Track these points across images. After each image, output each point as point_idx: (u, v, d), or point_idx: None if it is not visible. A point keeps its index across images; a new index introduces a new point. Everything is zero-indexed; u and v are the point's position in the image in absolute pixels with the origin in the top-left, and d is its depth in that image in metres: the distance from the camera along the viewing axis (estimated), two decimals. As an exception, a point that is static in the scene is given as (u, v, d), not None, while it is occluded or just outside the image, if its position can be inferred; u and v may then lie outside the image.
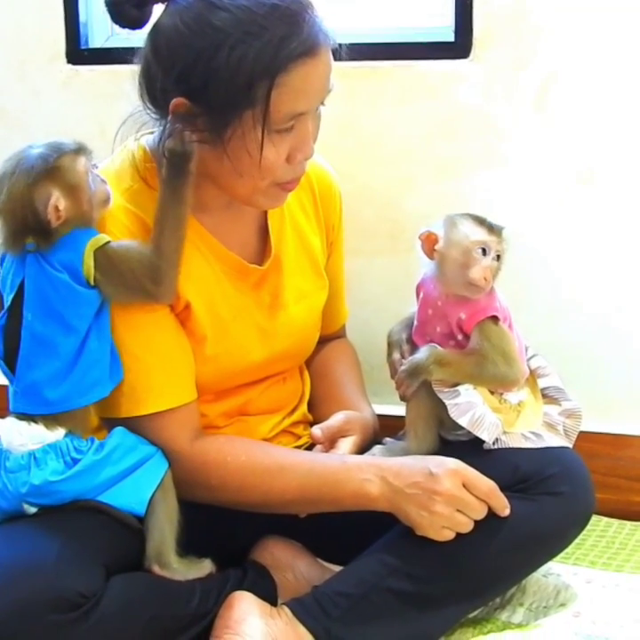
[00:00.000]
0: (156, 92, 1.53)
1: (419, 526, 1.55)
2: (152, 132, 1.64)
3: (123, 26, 1.57)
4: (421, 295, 1.71)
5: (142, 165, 1.61)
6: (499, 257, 1.63)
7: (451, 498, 1.54)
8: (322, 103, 1.55)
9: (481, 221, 1.64)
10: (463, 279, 1.62)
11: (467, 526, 1.55)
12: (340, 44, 1.53)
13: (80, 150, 1.50)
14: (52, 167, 1.46)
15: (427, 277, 1.70)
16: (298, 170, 1.58)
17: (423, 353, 1.64)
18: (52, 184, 1.46)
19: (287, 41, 1.44)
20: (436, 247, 1.65)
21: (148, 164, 1.61)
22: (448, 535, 1.55)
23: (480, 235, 1.62)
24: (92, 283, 1.49)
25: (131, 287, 1.51)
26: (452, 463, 1.56)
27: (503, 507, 1.56)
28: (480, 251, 1.61)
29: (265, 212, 1.72)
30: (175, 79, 1.49)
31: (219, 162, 1.54)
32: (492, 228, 1.63)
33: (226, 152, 1.51)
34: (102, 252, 1.49)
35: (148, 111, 1.58)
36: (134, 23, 1.55)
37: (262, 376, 1.76)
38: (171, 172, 1.52)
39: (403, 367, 1.67)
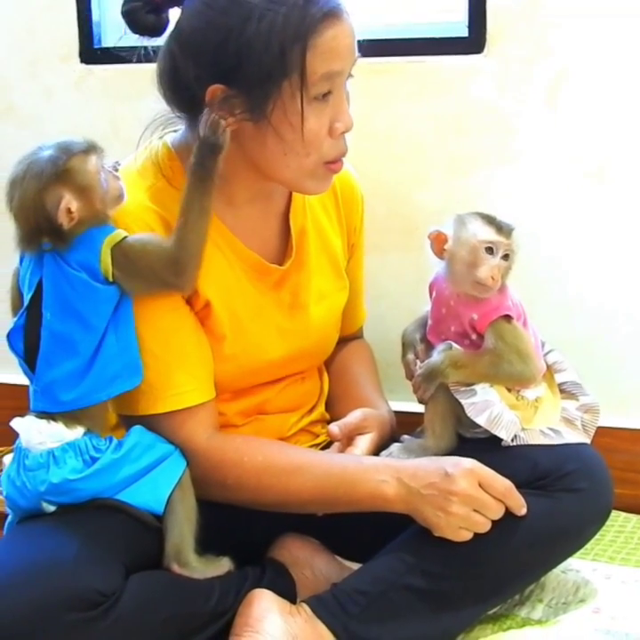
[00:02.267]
0: (184, 86, 1.51)
1: (436, 527, 1.54)
2: (176, 131, 1.63)
3: (142, 34, 1.57)
4: (434, 294, 1.71)
5: (165, 164, 1.61)
6: (507, 256, 1.62)
7: (467, 498, 1.53)
8: (350, 74, 1.55)
9: (490, 220, 1.63)
10: (471, 278, 1.62)
11: (484, 526, 1.54)
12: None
13: (90, 149, 1.49)
14: (62, 170, 1.45)
15: (439, 276, 1.70)
16: (340, 145, 1.58)
17: (438, 356, 1.64)
18: (62, 187, 1.45)
19: (310, 3, 1.46)
20: (445, 246, 1.65)
21: (171, 163, 1.61)
22: (465, 535, 1.54)
23: (488, 234, 1.61)
24: (110, 279, 1.48)
25: (150, 281, 1.51)
26: (468, 463, 1.55)
27: (520, 506, 1.55)
28: (488, 250, 1.61)
29: (287, 212, 1.72)
30: (208, 64, 1.48)
31: (262, 145, 1.54)
32: (501, 228, 1.62)
33: (271, 126, 1.51)
34: (119, 249, 1.48)
35: (174, 109, 1.57)
36: (152, 30, 1.56)
37: (281, 375, 1.75)
38: (200, 162, 1.49)
39: (418, 371, 1.66)
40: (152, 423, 1.56)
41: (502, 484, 1.55)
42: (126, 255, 1.48)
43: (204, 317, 1.61)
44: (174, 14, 1.54)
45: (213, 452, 1.59)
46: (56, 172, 1.45)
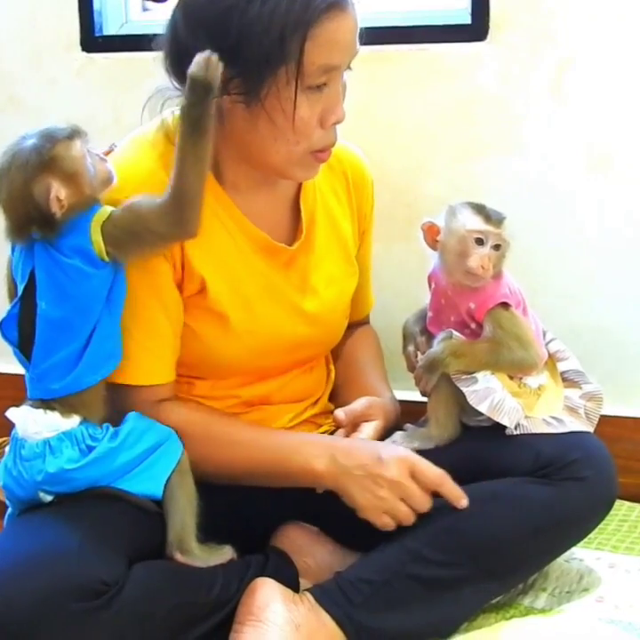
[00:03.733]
0: (185, 61, 1.49)
1: (360, 508, 1.56)
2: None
3: None
4: (433, 285, 1.71)
5: (174, 134, 1.58)
6: (499, 246, 1.62)
7: (395, 484, 1.55)
8: (349, 66, 1.55)
9: (479, 210, 1.63)
10: (462, 268, 1.62)
11: (407, 517, 1.56)
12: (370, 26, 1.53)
13: (73, 134, 1.46)
14: (47, 159, 1.43)
15: (436, 268, 1.70)
16: (330, 136, 1.58)
17: (438, 346, 1.64)
18: (49, 175, 1.43)
19: None
20: (437, 238, 1.66)
21: None
22: (388, 522, 1.56)
23: (477, 224, 1.62)
24: (105, 258, 1.47)
25: (149, 242, 1.49)
26: (403, 451, 1.58)
27: (458, 497, 1.56)
28: (477, 240, 1.61)
29: (297, 194, 1.71)
30: (208, 41, 1.46)
31: (253, 128, 1.54)
32: (490, 218, 1.62)
33: (264, 110, 1.50)
34: (109, 223, 1.46)
35: (176, 85, 1.56)
36: None
37: (289, 363, 1.75)
38: (191, 101, 1.44)
39: (420, 363, 1.67)
40: (112, 389, 1.56)
41: (435, 473, 1.56)
42: (117, 226, 1.46)
43: (200, 298, 1.61)
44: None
45: (158, 417, 1.58)
46: (42, 161, 1.43)
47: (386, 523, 1.56)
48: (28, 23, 2.31)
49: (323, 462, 1.57)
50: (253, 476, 1.62)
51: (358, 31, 1.53)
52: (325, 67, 1.50)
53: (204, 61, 1.41)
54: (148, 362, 1.61)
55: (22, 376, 1.54)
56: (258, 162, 1.61)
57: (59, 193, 1.43)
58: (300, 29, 1.45)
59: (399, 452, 1.57)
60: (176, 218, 1.47)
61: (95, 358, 1.50)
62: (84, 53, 2.28)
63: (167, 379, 1.64)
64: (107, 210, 1.48)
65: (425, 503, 1.56)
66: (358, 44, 1.54)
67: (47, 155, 1.43)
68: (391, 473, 1.54)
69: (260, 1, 1.44)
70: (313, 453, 1.59)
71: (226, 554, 1.57)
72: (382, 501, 1.55)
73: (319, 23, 1.46)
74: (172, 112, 1.62)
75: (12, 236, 1.49)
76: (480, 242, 1.61)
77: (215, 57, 1.41)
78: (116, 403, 1.56)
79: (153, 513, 1.52)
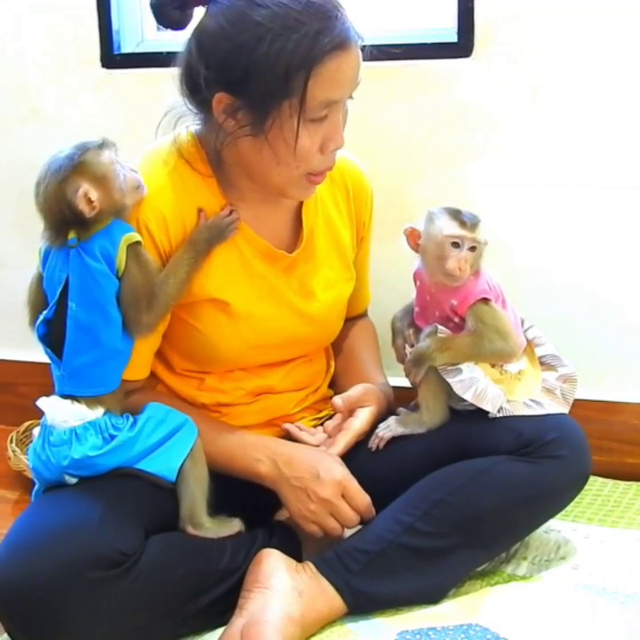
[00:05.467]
0: (197, 86, 1.50)
1: (293, 514, 1.60)
2: (197, 124, 1.61)
3: (166, 26, 1.55)
4: (418, 283, 1.71)
5: (187, 149, 1.60)
6: (474, 248, 1.61)
7: (327, 503, 1.57)
8: (351, 96, 1.54)
9: (455, 216, 1.62)
10: (441, 270, 1.62)
11: (335, 531, 1.59)
12: (364, 44, 1.52)
13: (104, 145, 1.48)
14: (77, 163, 1.45)
15: (420, 267, 1.69)
16: (329, 160, 1.56)
17: (424, 342, 1.64)
18: (80, 178, 1.44)
19: (322, 35, 1.43)
20: (418, 242, 1.65)
21: (194, 149, 1.60)
22: (315, 531, 1.59)
23: (453, 229, 1.61)
24: (120, 274, 1.47)
25: (134, 297, 1.49)
26: (339, 474, 1.59)
27: (352, 521, 1.59)
28: (454, 244, 1.60)
29: (299, 207, 1.70)
30: (217, 73, 1.47)
31: (258, 153, 1.52)
32: (465, 223, 1.61)
33: (267, 141, 1.49)
34: (133, 250, 1.48)
35: (189, 105, 1.56)
36: (176, 24, 1.54)
37: (288, 357, 1.74)
38: (207, 239, 1.55)
39: (408, 358, 1.66)
40: None
41: (362, 499, 1.59)
42: (137, 257, 1.48)
43: (204, 301, 1.61)
44: (199, 12, 1.52)
45: (127, 405, 1.56)
46: (73, 165, 1.44)
47: (313, 530, 1.59)
48: (52, 40, 2.29)
49: (266, 466, 1.60)
50: (211, 464, 1.59)
51: (360, 66, 1.51)
52: (327, 102, 1.48)
53: (229, 220, 1.56)
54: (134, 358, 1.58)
55: (49, 364, 1.53)
56: (260, 181, 1.60)
57: (89, 193, 1.44)
58: (304, 68, 1.44)
59: (335, 474, 1.58)
60: (149, 301, 1.49)
61: (122, 365, 1.52)
62: (104, 69, 2.26)
63: (141, 375, 1.64)
64: (136, 236, 1.49)
65: (353, 521, 1.59)
66: (359, 76, 1.52)
67: (78, 160, 1.45)
68: (325, 493, 1.57)
69: (268, 41, 1.43)
70: (256, 456, 1.60)
71: (234, 526, 1.57)
72: (311, 514, 1.57)
73: (322, 62, 1.44)
74: (186, 127, 1.61)
75: (51, 240, 1.49)
76: (456, 245, 1.60)
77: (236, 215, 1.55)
78: None
79: (168, 489, 1.52)
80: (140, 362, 1.61)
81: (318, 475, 1.57)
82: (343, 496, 1.58)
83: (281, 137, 1.49)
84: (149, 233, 1.54)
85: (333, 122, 1.52)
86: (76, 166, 1.44)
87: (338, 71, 1.46)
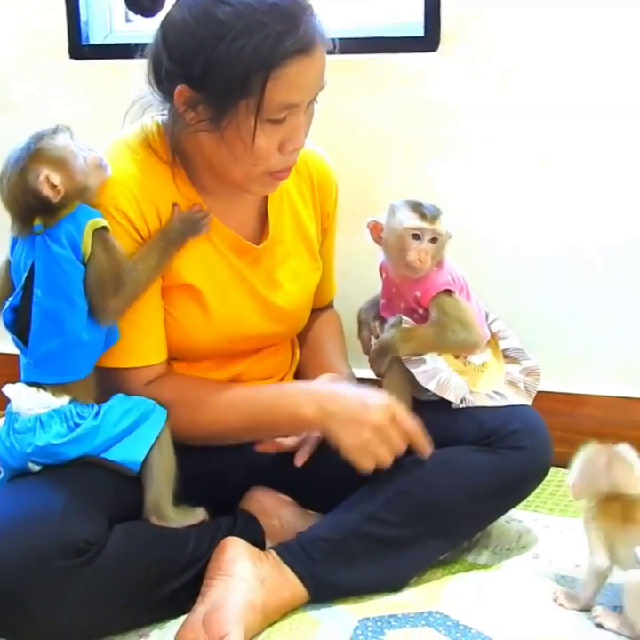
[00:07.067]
0: (162, 76, 1.51)
1: (346, 449, 1.55)
2: (164, 114, 1.61)
3: (136, 12, 1.55)
4: (384, 275, 1.72)
5: (153, 138, 1.60)
6: (435, 239, 1.63)
7: (380, 428, 1.54)
8: (315, 99, 1.53)
9: (415, 208, 1.64)
10: (402, 262, 1.63)
11: (385, 460, 1.55)
12: (334, 43, 1.51)
13: (57, 130, 1.48)
14: (34, 151, 1.44)
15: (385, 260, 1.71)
16: (289, 160, 1.56)
17: (388, 333, 1.65)
18: (39, 164, 1.44)
19: (285, 37, 1.42)
20: (381, 235, 1.67)
21: (160, 139, 1.60)
22: (368, 464, 1.55)
23: (413, 221, 1.62)
24: (85, 260, 1.47)
25: (100, 282, 1.48)
26: (386, 398, 1.57)
27: (425, 448, 1.58)
28: (414, 236, 1.62)
29: (265, 199, 1.70)
30: (179, 66, 1.47)
31: (217, 148, 1.52)
32: (425, 215, 1.62)
33: (223, 138, 1.49)
34: (100, 235, 1.48)
35: (155, 94, 1.56)
36: (147, 11, 1.53)
37: (257, 347, 1.75)
38: (180, 231, 1.56)
39: (373, 348, 1.67)
40: (106, 374, 1.56)
41: (413, 422, 1.57)
42: (104, 243, 1.48)
43: (179, 288, 1.61)
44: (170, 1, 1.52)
45: (151, 396, 1.56)
46: (30, 154, 1.44)
47: (366, 464, 1.55)
48: (21, 32, 2.29)
49: (309, 409, 1.57)
50: (245, 430, 1.61)
51: (324, 69, 1.50)
52: (286, 104, 1.47)
53: (194, 219, 1.57)
54: (139, 344, 1.59)
55: (17, 355, 1.53)
56: (220, 176, 1.59)
57: (51, 178, 1.44)
58: (263, 69, 1.43)
59: (383, 399, 1.57)
60: (116, 287, 1.49)
61: (89, 354, 1.51)
62: (72, 60, 2.26)
63: (159, 359, 1.63)
64: (102, 221, 1.49)
65: (400, 447, 1.56)
66: (324, 80, 1.51)
67: (34, 148, 1.45)
68: (377, 418, 1.54)
69: (229, 39, 1.42)
70: (298, 401, 1.58)
71: (198, 515, 1.57)
72: (366, 444, 1.54)
73: (283, 65, 1.43)
74: (152, 117, 1.62)
75: (18, 228, 1.49)
76: (417, 237, 1.62)
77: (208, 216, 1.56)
78: (110, 385, 1.56)
79: (132, 477, 1.51)
80: (147, 347, 1.60)
81: (366, 403, 1.56)
82: (392, 422, 1.56)
83: (238, 135, 1.48)
84: (127, 218, 1.54)
85: (293, 124, 1.50)
86: (34, 154, 1.44)
87: (298, 75, 1.45)
